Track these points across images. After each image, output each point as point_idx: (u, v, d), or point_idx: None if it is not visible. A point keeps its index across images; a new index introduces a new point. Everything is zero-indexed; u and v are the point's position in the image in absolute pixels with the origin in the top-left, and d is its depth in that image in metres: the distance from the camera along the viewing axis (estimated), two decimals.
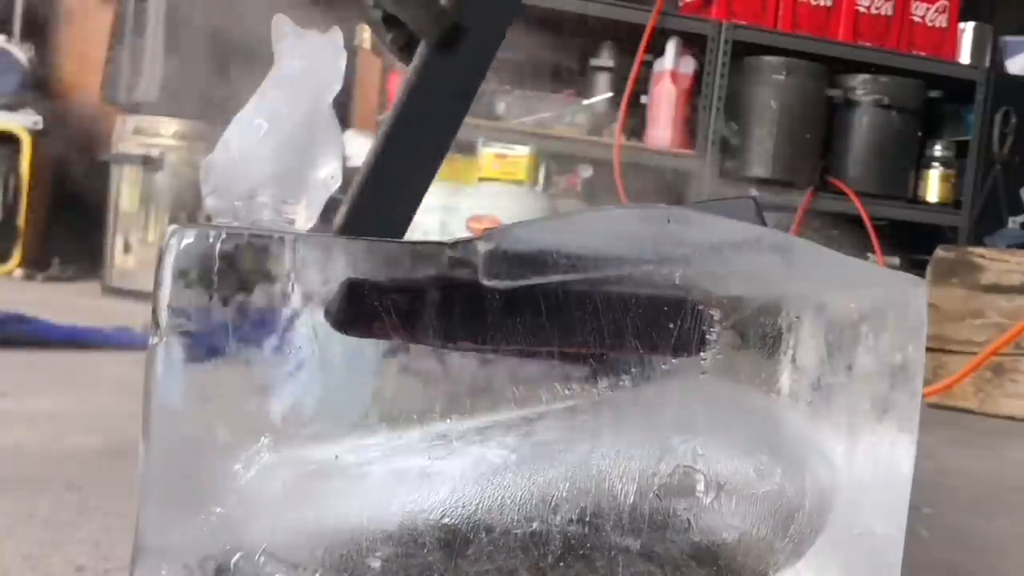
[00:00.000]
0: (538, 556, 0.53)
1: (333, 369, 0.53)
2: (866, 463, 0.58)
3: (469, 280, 0.52)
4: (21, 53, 3.46)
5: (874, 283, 0.60)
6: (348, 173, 0.63)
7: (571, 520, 0.54)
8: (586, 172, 3.16)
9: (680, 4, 3.35)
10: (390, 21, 0.62)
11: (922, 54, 3.46)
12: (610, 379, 0.55)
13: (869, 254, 3.18)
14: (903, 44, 3.45)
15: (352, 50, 3.59)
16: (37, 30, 3.70)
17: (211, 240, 0.50)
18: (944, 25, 3.49)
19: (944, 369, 2.15)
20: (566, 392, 0.55)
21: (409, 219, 0.62)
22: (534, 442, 0.55)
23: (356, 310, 0.51)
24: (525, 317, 0.53)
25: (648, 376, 0.56)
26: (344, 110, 3.39)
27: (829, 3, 3.39)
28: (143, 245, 3.20)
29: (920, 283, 0.59)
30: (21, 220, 3.36)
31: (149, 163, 3.18)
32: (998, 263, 2.20)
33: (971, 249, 2.33)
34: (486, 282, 0.52)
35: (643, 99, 3.25)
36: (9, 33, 3.58)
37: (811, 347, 0.58)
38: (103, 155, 3.29)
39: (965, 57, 3.54)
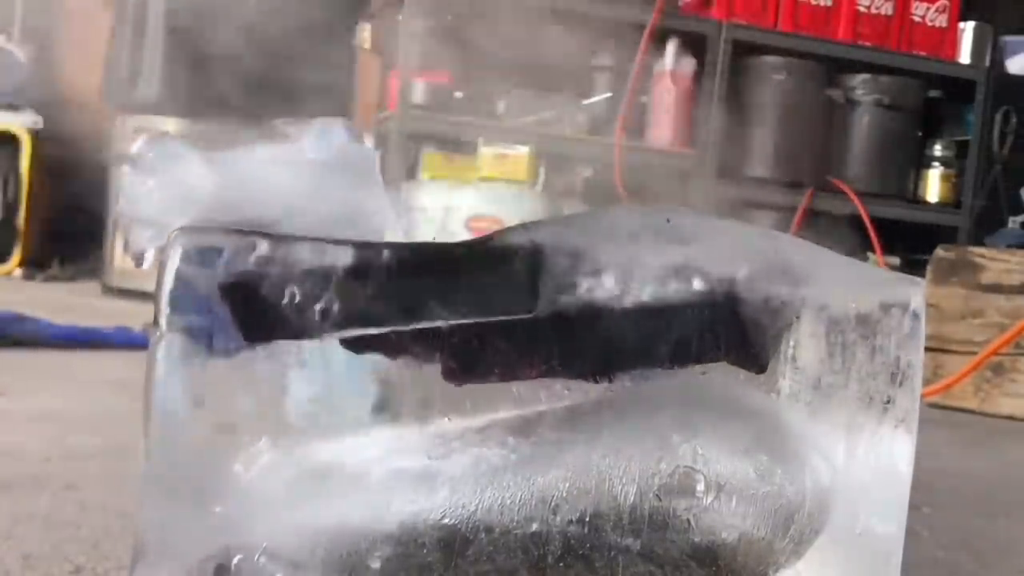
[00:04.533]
0: (538, 556, 0.53)
1: (333, 369, 0.53)
2: (866, 463, 0.58)
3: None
4: (21, 53, 3.46)
5: (873, 283, 0.60)
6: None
7: (571, 520, 0.54)
8: (586, 172, 3.17)
9: (680, 4, 3.35)
10: None
11: (922, 54, 3.46)
12: (610, 379, 0.55)
13: (869, 254, 3.18)
14: (903, 44, 3.45)
15: (352, 50, 3.59)
16: (37, 30, 3.70)
17: (214, 241, 0.50)
18: (944, 25, 3.50)
19: (944, 369, 2.15)
20: (566, 392, 0.55)
21: None
22: (534, 442, 0.55)
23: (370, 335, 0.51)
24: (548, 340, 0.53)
25: (648, 376, 0.56)
26: (344, 110, 3.39)
27: (829, 3, 3.39)
28: (142, 251, 3.20)
29: (919, 283, 0.59)
30: (21, 220, 3.36)
31: None
32: (998, 263, 2.20)
33: (971, 249, 2.33)
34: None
35: (643, 99, 3.25)
36: (9, 33, 3.58)
37: (811, 347, 0.58)
38: (103, 155, 3.29)
39: (965, 57, 3.54)
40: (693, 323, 0.53)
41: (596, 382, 0.55)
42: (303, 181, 0.57)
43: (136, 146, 0.55)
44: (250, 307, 0.50)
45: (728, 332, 0.54)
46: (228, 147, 0.57)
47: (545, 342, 0.52)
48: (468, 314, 0.51)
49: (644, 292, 0.53)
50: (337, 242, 0.52)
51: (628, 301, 0.53)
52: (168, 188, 0.54)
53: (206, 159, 0.55)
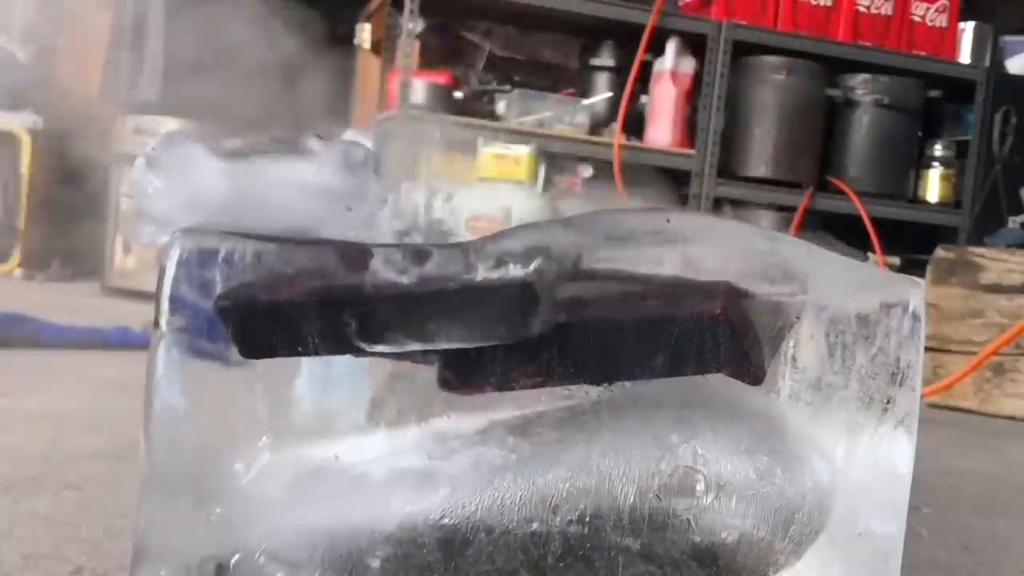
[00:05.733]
0: (538, 556, 0.53)
1: (334, 369, 0.53)
2: (866, 463, 0.58)
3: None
4: (21, 53, 3.46)
5: (873, 283, 0.60)
6: None
7: (571, 520, 0.54)
8: (586, 172, 3.17)
9: (680, 4, 3.35)
10: None
11: (922, 54, 3.46)
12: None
13: (869, 254, 3.18)
14: (903, 44, 3.45)
15: (352, 50, 3.59)
16: (37, 30, 3.70)
17: (213, 243, 0.50)
18: (944, 25, 3.50)
19: (944, 369, 2.15)
20: (566, 392, 0.55)
21: None
22: (534, 442, 0.55)
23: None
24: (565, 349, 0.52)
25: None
26: (344, 110, 3.39)
27: (829, 3, 3.39)
28: (143, 245, 3.19)
29: (919, 283, 0.59)
30: (21, 220, 3.35)
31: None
32: (998, 263, 2.20)
33: (971, 249, 2.33)
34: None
35: (643, 99, 3.25)
36: (9, 33, 3.58)
37: (811, 347, 0.58)
38: (103, 155, 3.28)
39: (965, 57, 3.54)
40: (691, 334, 0.53)
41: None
42: (314, 207, 0.56)
43: (152, 144, 0.55)
44: (247, 322, 0.50)
45: (725, 344, 0.53)
46: (246, 155, 0.56)
47: (541, 354, 0.52)
48: (467, 339, 0.51)
49: (642, 303, 0.53)
50: (337, 242, 0.52)
51: (626, 312, 0.53)
52: (178, 189, 0.54)
53: (221, 165, 0.54)
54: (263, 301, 0.50)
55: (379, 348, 0.51)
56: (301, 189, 0.55)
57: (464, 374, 0.52)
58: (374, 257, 0.51)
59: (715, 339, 0.53)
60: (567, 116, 3.20)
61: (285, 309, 0.50)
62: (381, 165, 0.59)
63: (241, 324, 0.50)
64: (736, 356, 0.54)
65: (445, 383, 0.52)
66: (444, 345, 0.51)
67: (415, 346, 0.51)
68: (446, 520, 0.53)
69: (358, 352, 0.51)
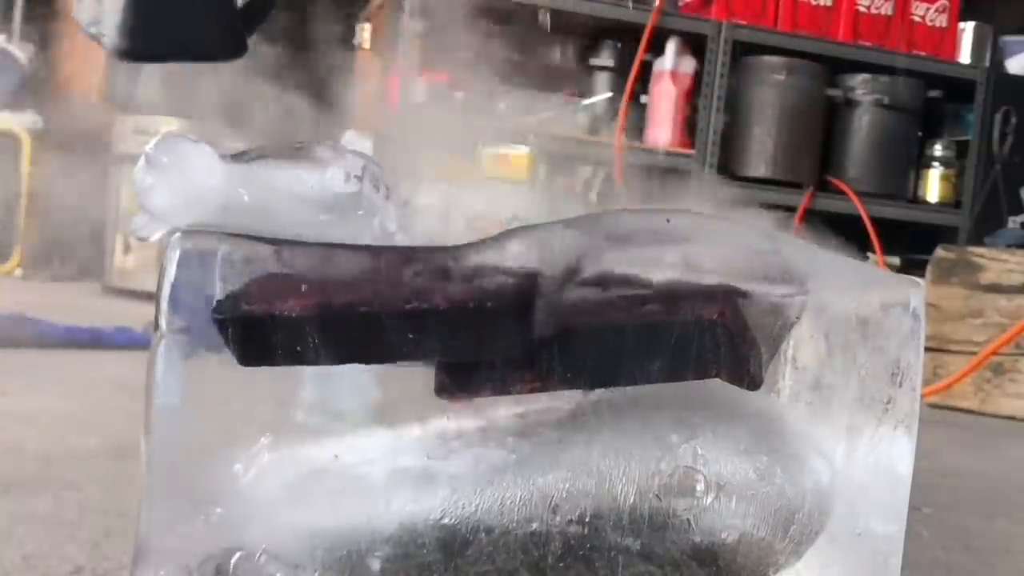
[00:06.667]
0: (538, 556, 0.53)
1: (333, 370, 0.53)
2: (866, 463, 0.58)
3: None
4: (21, 53, 3.46)
5: (873, 283, 0.60)
6: None
7: (571, 520, 0.54)
8: (586, 172, 3.17)
9: (680, 4, 3.35)
10: None
11: (922, 54, 3.46)
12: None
13: (869, 254, 3.18)
14: (903, 44, 3.45)
15: (352, 50, 3.59)
16: (37, 30, 3.70)
17: (214, 244, 0.50)
18: (944, 25, 3.50)
19: (944, 369, 2.15)
20: (565, 393, 0.55)
21: None
22: (534, 442, 0.55)
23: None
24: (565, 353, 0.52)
25: None
26: (344, 110, 3.39)
27: (829, 3, 3.39)
28: (143, 245, 3.19)
29: (919, 283, 0.59)
30: (21, 220, 3.35)
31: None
32: (998, 263, 2.20)
33: (971, 249, 2.33)
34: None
35: (643, 99, 3.25)
36: (9, 33, 3.58)
37: (811, 347, 0.58)
38: (103, 155, 3.29)
39: (965, 57, 3.55)
40: (689, 339, 0.53)
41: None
42: (313, 215, 0.56)
43: (151, 143, 0.55)
44: (244, 331, 0.50)
45: (723, 349, 0.53)
46: (251, 159, 0.56)
47: (539, 359, 0.52)
48: (467, 343, 0.51)
49: (640, 307, 0.53)
50: (336, 246, 0.52)
51: (624, 317, 0.52)
52: (177, 187, 0.53)
53: (223, 167, 0.54)
54: (261, 309, 0.49)
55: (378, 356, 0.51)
56: (301, 197, 0.55)
57: (461, 380, 0.52)
58: (374, 262, 0.51)
59: (713, 344, 0.53)
60: (567, 116, 3.20)
61: (283, 318, 0.49)
62: (383, 176, 0.58)
63: (239, 333, 0.50)
64: (734, 361, 0.53)
65: (442, 389, 0.52)
66: (444, 351, 0.51)
67: (414, 354, 0.51)
68: (446, 520, 0.53)
69: (357, 361, 0.51)
